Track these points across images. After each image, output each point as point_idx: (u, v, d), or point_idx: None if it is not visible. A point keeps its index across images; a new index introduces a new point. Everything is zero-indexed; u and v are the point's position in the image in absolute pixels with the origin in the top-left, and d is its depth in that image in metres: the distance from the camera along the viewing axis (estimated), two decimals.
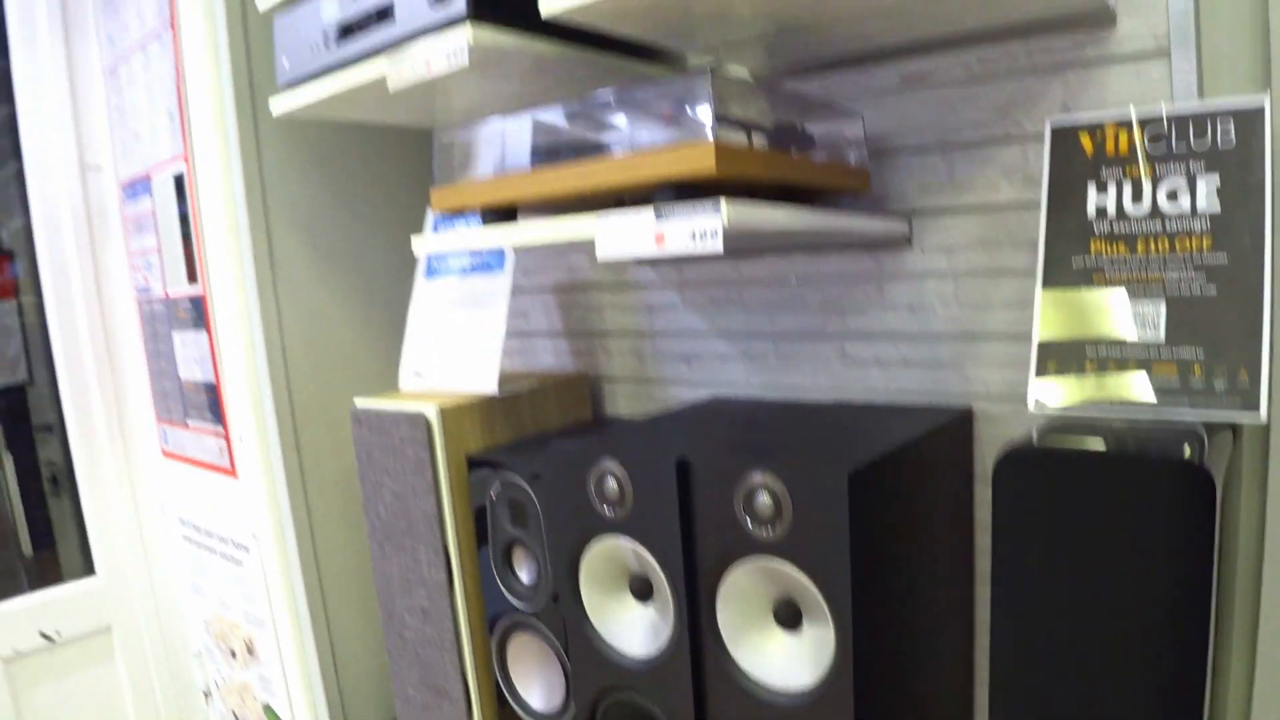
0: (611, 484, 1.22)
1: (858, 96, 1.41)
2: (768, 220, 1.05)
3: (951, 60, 1.33)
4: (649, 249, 1.02)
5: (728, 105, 1.09)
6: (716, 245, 0.97)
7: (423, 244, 1.37)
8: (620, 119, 1.12)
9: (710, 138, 1.00)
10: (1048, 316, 1.12)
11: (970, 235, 1.34)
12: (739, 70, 1.49)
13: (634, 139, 1.10)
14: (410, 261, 1.96)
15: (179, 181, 1.93)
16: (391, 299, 1.98)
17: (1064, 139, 1.16)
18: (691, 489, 1.15)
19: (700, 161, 0.99)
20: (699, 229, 0.98)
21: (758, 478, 1.08)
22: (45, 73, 2.28)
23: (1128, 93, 1.21)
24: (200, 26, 1.76)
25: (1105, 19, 1.21)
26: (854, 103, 1.41)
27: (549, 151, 1.19)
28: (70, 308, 2.36)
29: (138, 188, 2.12)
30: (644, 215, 1.02)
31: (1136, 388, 1.06)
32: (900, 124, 1.38)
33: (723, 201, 0.96)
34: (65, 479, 2.56)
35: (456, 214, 1.45)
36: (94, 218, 2.34)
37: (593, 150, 1.13)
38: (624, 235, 1.04)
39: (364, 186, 1.96)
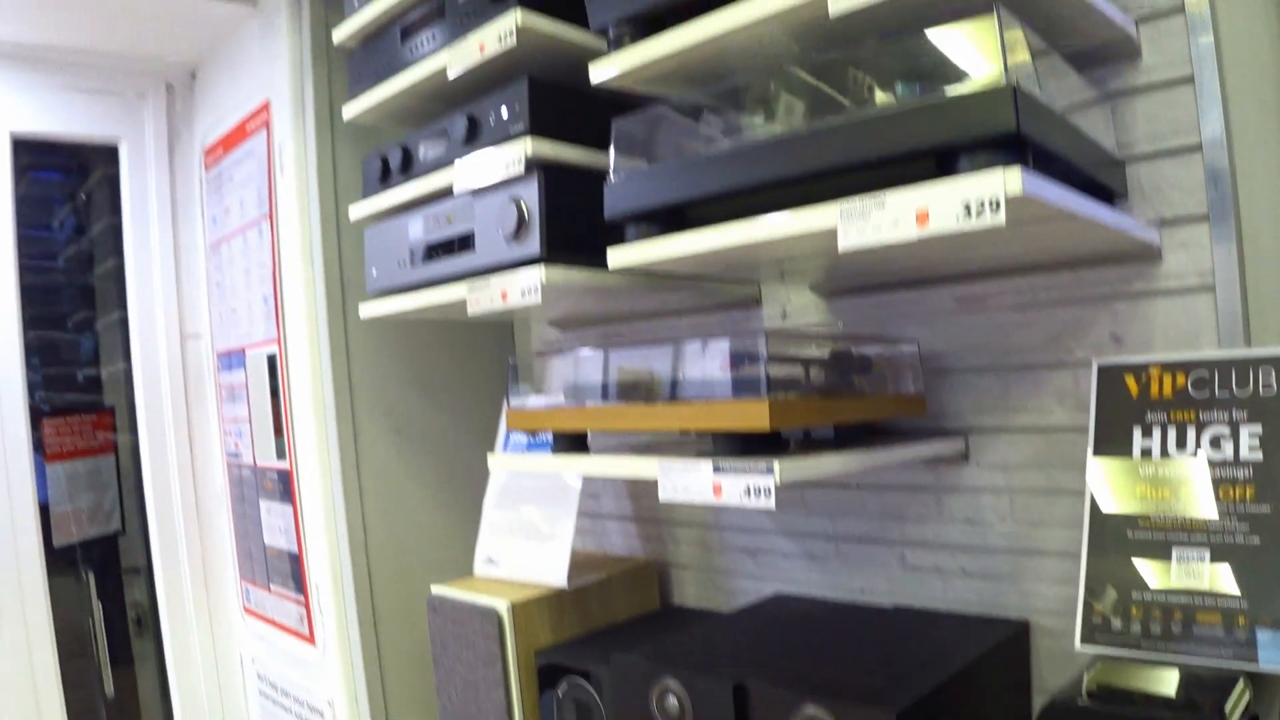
0: (672, 701, 1.26)
1: (914, 315, 1.47)
2: (821, 470, 1.10)
3: (1005, 286, 1.38)
4: (707, 498, 1.08)
5: (784, 352, 1.16)
6: (769, 503, 1.02)
7: (497, 462, 1.45)
8: (684, 362, 1.19)
9: (765, 396, 1.06)
10: (1094, 561, 1.15)
11: (1025, 455, 1.38)
12: (800, 288, 1.56)
13: (697, 380, 1.17)
14: (488, 443, 2.04)
15: (271, 361, 2.04)
16: (469, 479, 2.05)
17: (1110, 379, 1.21)
18: (749, 713, 1.19)
19: (755, 420, 1.06)
20: (754, 485, 1.04)
21: (810, 710, 1.12)
22: (153, 244, 2.44)
23: (1175, 327, 1.25)
24: (296, 225, 1.88)
25: (1151, 255, 1.25)
26: (910, 321, 1.47)
27: (616, 386, 1.27)
28: (164, 463, 2.48)
29: (233, 360, 2.24)
30: (703, 468, 1.08)
31: (1180, 635, 1.08)
32: (956, 344, 1.43)
33: (776, 465, 1.02)
34: (150, 620, 2.66)
35: (530, 433, 1.52)
36: (190, 382, 2.47)
37: (656, 391, 1.20)
38: (684, 482, 1.10)
39: (445, 371, 2.06)
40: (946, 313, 1.44)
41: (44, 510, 2.37)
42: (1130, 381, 1.19)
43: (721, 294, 1.58)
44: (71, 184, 2.71)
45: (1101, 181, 1.15)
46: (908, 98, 0.98)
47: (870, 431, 1.38)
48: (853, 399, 1.26)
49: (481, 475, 1.95)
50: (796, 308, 1.58)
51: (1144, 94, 1.26)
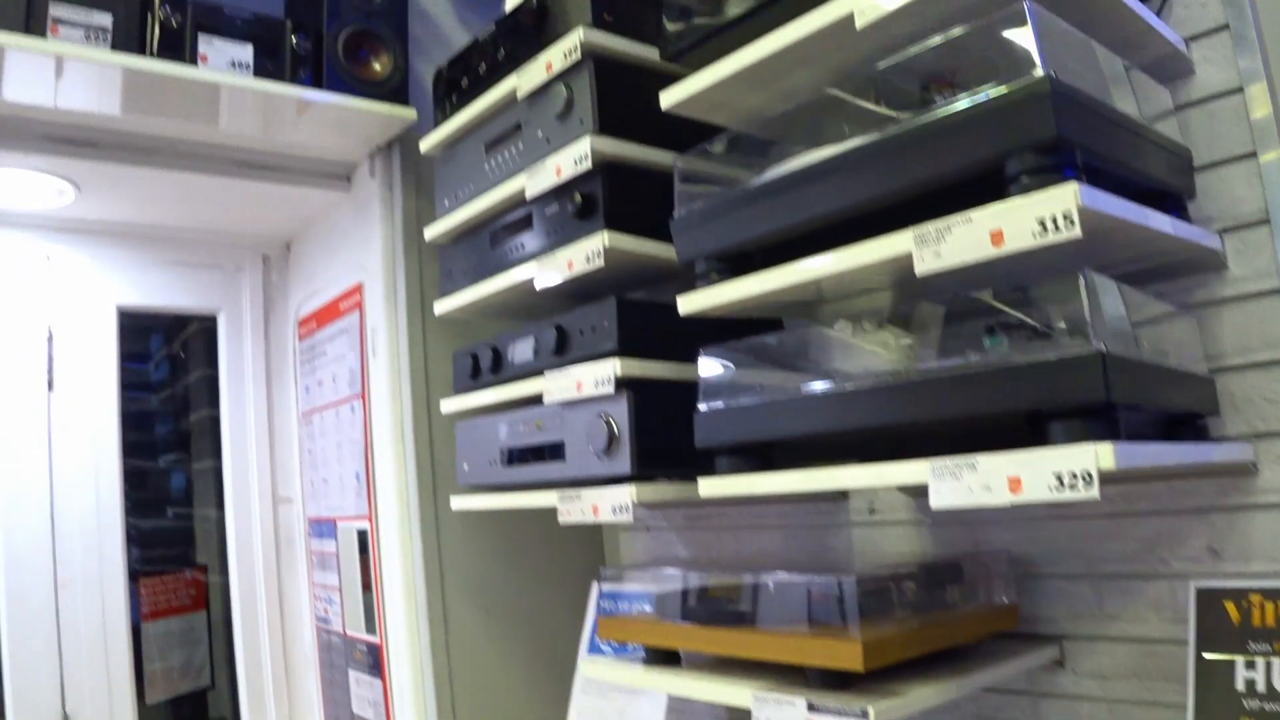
0: None
1: (1004, 519, 1.46)
2: (918, 705, 1.09)
3: None
4: None
5: (874, 576, 1.16)
6: None
7: (590, 670, 1.46)
8: (772, 589, 1.19)
9: (857, 636, 1.06)
10: None
11: (1123, 664, 1.35)
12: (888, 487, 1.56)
13: (786, 609, 1.17)
14: (578, 620, 2.05)
15: (362, 536, 2.08)
16: (558, 658, 2.05)
17: (1209, 603, 1.18)
18: None
19: (848, 661, 1.05)
20: None
21: None
22: (249, 409, 2.51)
23: (1274, 542, 1.22)
24: (387, 409, 1.94)
25: (1247, 470, 1.24)
26: (1000, 525, 1.46)
27: (705, 604, 1.27)
28: (255, 621, 2.52)
29: (323, 529, 2.29)
30: (798, 704, 1.08)
31: None
32: (1047, 549, 1.42)
33: (871, 710, 1.02)
34: None
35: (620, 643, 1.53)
36: (282, 545, 2.52)
37: (746, 615, 1.21)
38: (778, 716, 1.10)
39: (535, 550, 2.07)
40: (1038, 518, 1.43)
41: (137, 665, 2.41)
42: (1230, 608, 1.17)
43: None
44: (169, 322, 2.79)
45: (1193, 409, 1.14)
46: (997, 350, 0.99)
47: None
48: (946, 619, 1.25)
49: (571, 654, 1.95)
50: (884, 504, 1.58)
51: (1232, 305, 1.26)
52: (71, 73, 1.64)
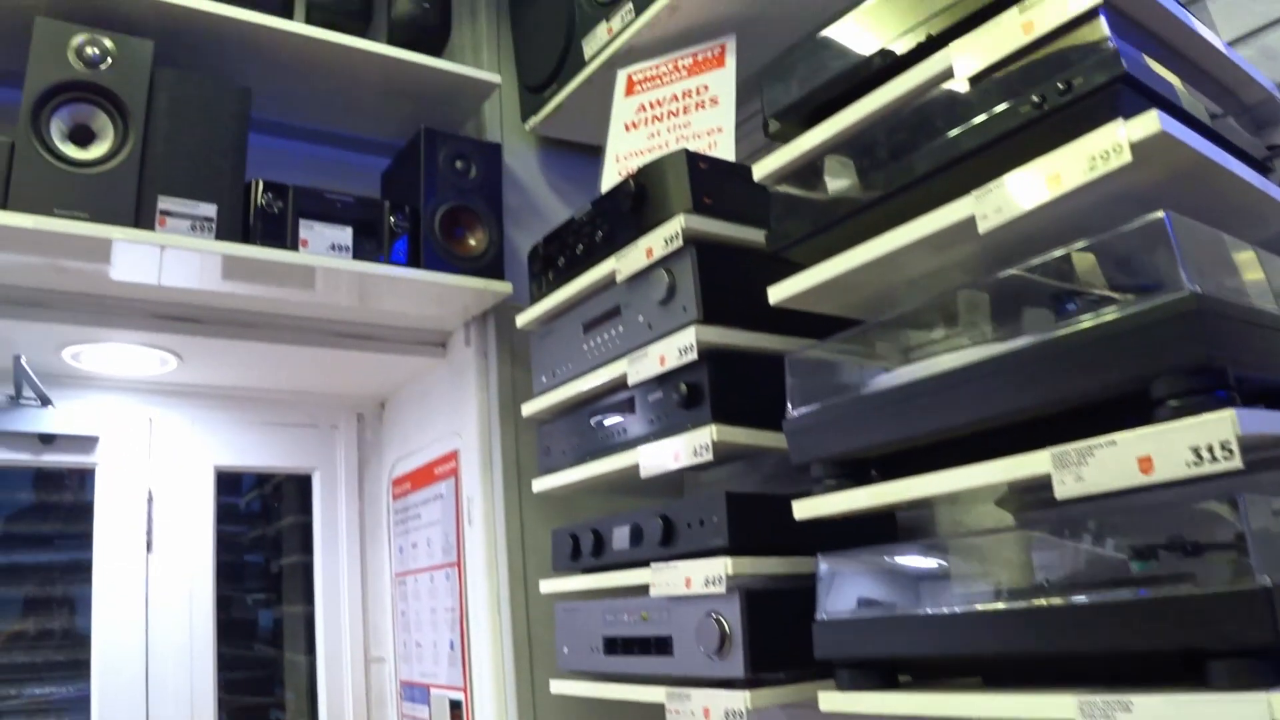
0: None
1: None
2: None
3: None
4: None
5: None
6: None
7: None
8: None
9: None
10: None
11: None
12: None
13: None
14: None
15: (455, 706, 2.03)
16: None
17: None
18: None
19: None
20: None
21: None
22: (342, 567, 2.50)
23: None
24: (484, 581, 1.90)
25: None
26: None
27: None
28: None
29: (415, 694, 2.25)
30: None
31: None
32: None
33: None
34: None
35: None
36: (374, 705, 2.48)
37: None
38: None
39: None
40: None
41: None
42: None
43: None
44: None
45: None
46: (1147, 574, 0.93)
47: None
48: None
49: None
50: None
51: None
52: (176, 256, 1.67)
